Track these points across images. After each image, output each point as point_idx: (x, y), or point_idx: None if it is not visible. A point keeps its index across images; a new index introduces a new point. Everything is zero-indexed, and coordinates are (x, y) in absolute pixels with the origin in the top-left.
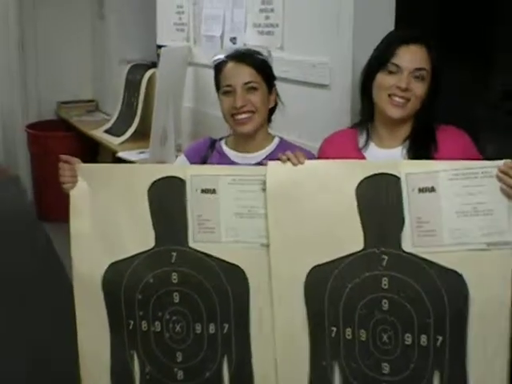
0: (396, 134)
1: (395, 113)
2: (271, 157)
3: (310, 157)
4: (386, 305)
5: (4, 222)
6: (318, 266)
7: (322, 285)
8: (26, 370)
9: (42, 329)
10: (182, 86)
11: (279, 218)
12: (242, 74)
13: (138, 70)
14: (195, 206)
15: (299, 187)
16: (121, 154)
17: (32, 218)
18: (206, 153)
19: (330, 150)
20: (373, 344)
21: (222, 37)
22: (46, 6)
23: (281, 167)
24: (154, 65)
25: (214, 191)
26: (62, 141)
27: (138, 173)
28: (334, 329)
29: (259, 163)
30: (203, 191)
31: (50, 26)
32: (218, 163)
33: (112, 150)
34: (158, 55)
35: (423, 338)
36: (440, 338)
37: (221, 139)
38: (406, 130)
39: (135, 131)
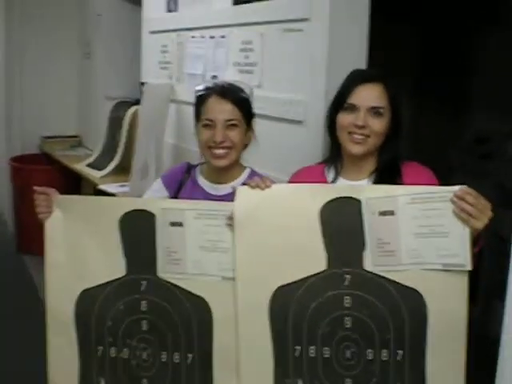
0: (362, 168)
1: (356, 149)
2: None
3: None
4: (348, 322)
5: None
6: (283, 286)
7: (286, 305)
8: None
9: (13, 361)
10: (163, 122)
11: (246, 241)
12: (224, 111)
13: (121, 106)
14: (164, 238)
15: (265, 210)
16: (102, 187)
17: (12, 250)
18: (183, 178)
19: (298, 182)
20: (336, 361)
21: (203, 75)
22: (32, 42)
23: (249, 192)
24: (137, 102)
25: (181, 224)
26: (44, 174)
27: (110, 204)
28: (298, 347)
29: (229, 194)
30: (172, 224)
31: (36, 62)
32: (191, 191)
33: (94, 183)
34: (142, 92)
35: (384, 353)
36: (400, 353)
37: (197, 165)
38: (371, 164)
39: (117, 165)
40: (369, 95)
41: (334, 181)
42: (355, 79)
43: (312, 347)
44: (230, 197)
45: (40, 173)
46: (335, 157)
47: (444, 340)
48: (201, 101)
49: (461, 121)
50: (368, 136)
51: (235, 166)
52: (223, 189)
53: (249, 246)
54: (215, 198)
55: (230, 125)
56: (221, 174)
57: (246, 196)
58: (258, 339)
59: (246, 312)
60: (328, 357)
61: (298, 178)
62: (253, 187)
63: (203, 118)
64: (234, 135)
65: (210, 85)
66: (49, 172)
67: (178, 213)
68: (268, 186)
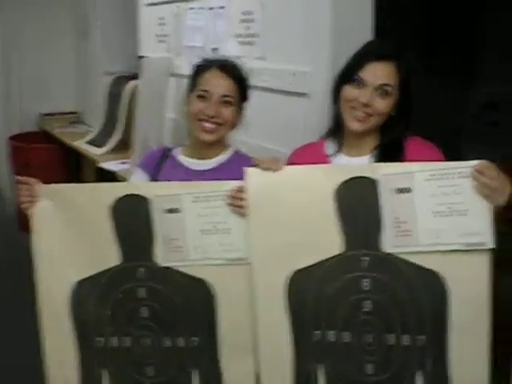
0: (364, 144)
1: (355, 126)
2: (225, 166)
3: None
4: (368, 306)
5: None
6: (299, 270)
7: (304, 289)
8: None
9: (13, 347)
10: (163, 97)
11: (261, 223)
12: (221, 85)
13: (120, 81)
14: (162, 226)
15: (279, 192)
16: (103, 165)
17: (14, 229)
18: (160, 160)
19: (298, 161)
20: (356, 345)
21: (203, 47)
22: (29, 18)
23: (260, 174)
24: (136, 76)
25: (178, 210)
26: (44, 152)
27: (100, 191)
28: (318, 332)
29: (212, 169)
30: (168, 211)
31: (33, 39)
32: (170, 171)
33: (94, 160)
34: (140, 67)
35: (405, 338)
36: (421, 338)
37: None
38: (374, 140)
39: (117, 142)
40: (380, 73)
41: (334, 156)
42: (370, 54)
43: (331, 332)
44: (212, 172)
45: (39, 151)
46: (336, 131)
47: (467, 324)
48: (199, 71)
49: (469, 87)
50: (371, 115)
51: (219, 143)
52: (205, 164)
53: (263, 231)
54: (197, 173)
55: (224, 101)
56: (203, 150)
57: (257, 178)
58: (276, 325)
59: (263, 297)
60: (348, 341)
61: (297, 157)
62: (264, 169)
63: (199, 88)
64: (227, 113)
65: (211, 57)
66: (48, 150)
67: (174, 198)
68: (280, 168)
